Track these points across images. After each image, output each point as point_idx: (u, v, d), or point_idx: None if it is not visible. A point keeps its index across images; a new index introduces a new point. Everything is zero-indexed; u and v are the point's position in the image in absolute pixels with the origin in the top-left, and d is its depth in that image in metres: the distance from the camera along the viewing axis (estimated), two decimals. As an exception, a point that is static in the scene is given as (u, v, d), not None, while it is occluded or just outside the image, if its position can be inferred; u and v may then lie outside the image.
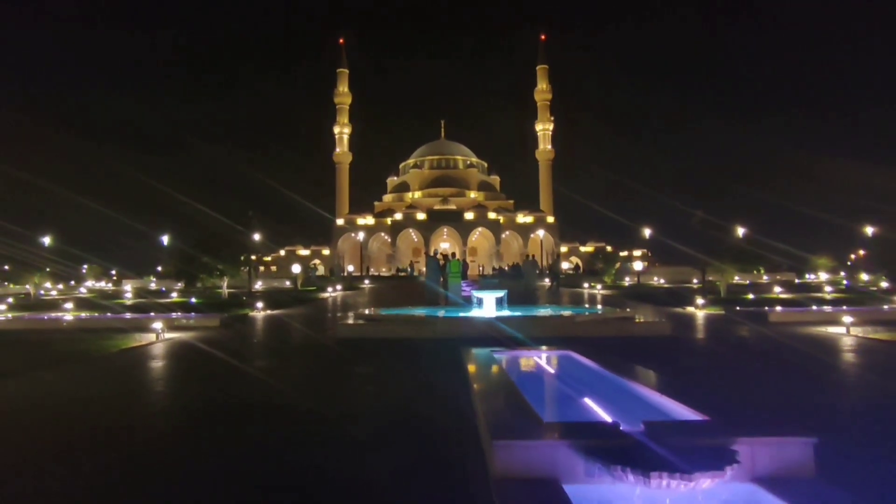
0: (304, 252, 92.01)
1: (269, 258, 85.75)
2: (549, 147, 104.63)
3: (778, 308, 15.91)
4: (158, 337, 12.02)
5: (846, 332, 11.57)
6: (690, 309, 18.41)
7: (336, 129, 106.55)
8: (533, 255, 35.81)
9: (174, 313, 16.29)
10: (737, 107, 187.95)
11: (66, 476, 4.07)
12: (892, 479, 3.67)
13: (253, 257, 39.21)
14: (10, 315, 16.82)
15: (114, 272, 54.71)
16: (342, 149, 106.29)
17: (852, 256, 56.01)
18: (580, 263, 78.17)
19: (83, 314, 17.13)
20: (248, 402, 6.50)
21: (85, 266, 50.11)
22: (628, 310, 16.21)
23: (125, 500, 3.68)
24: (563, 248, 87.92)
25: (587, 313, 14.08)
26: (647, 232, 60.03)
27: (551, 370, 6.91)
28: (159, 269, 59.02)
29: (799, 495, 3.09)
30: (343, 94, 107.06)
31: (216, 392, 7.13)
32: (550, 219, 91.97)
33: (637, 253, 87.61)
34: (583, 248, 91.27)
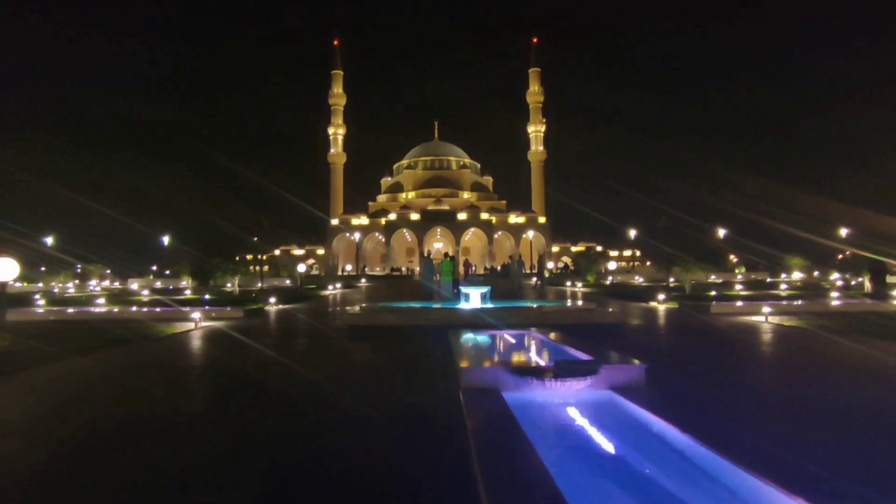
0: (298, 252, 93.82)
1: (264, 257, 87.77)
2: (541, 148, 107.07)
3: (723, 301, 18.51)
4: (196, 325, 14.36)
5: (765, 319, 14.14)
6: (653, 303, 20.98)
7: (330, 130, 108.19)
8: (520, 256, 38.29)
9: (204, 307, 18.55)
10: (730, 108, 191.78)
11: (177, 403, 6.49)
12: (683, 386, 6.39)
13: (253, 257, 41.33)
14: (70, 308, 19.11)
15: (108, 271, 56.43)
16: (336, 149, 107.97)
17: (840, 257, 59.29)
18: (569, 263, 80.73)
19: (129, 307, 19.39)
20: (292, 364, 8.92)
21: (79, 266, 51.77)
22: (594, 304, 18.75)
23: (224, 408, 6.12)
24: (555, 248, 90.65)
25: (555, 305, 16.58)
26: (632, 233, 62.92)
27: (513, 340, 9.40)
28: (154, 267, 60.87)
29: (634, 395, 5.55)
30: (337, 95, 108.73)
31: (263, 360, 9.53)
32: (542, 219, 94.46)
33: (627, 253, 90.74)
34: (574, 248, 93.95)
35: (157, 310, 18.51)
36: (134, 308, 19.27)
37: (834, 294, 22.48)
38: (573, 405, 5.45)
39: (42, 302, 21.72)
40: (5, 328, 8.90)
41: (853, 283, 35.98)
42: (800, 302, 19.48)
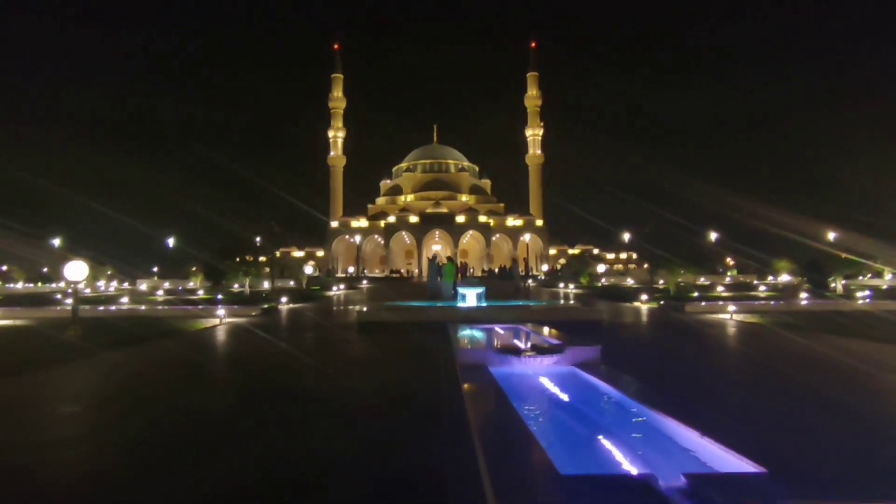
0: (298, 253, 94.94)
1: (264, 259, 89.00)
2: (539, 152, 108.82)
3: (700, 301, 20.23)
4: (221, 321, 15.99)
5: (730, 317, 15.84)
6: (636, 304, 22.68)
7: (330, 133, 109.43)
8: (515, 258, 39.92)
9: (219, 306, 20.19)
10: (729, 110, 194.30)
11: (221, 380, 8.16)
12: (628, 362, 8.13)
13: (255, 259, 42.89)
14: (97, 307, 20.81)
15: (109, 272, 57.63)
16: (336, 152, 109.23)
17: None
18: (559, 265, 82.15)
19: (152, 305, 21.04)
20: (318, 352, 10.58)
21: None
22: (580, 304, 20.45)
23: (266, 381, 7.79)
24: (552, 251, 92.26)
25: (543, 304, 18.27)
26: (626, 236, 64.69)
27: (501, 332, 11.08)
28: (155, 269, 62.17)
29: (590, 369, 7.22)
30: (337, 98, 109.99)
31: (291, 349, 11.20)
32: (539, 222, 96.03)
33: (623, 255, 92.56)
34: (571, 251, 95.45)
35: (182, 307, 20.16)
36: (155, 306, 20.91)
37: (803, 295, 24.20)
38: (543, 375, 7.12)
39: (70, 301, 23.25)
40: (77, 321, 10.52)
41: (833, 284, 37.80)
42: (780, 302, 21.18)
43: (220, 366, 9.47)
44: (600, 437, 4.60)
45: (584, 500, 2.81)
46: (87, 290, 38.45)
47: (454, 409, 5.57)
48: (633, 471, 3.69)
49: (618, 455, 4.13)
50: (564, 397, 6.25)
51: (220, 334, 13.56)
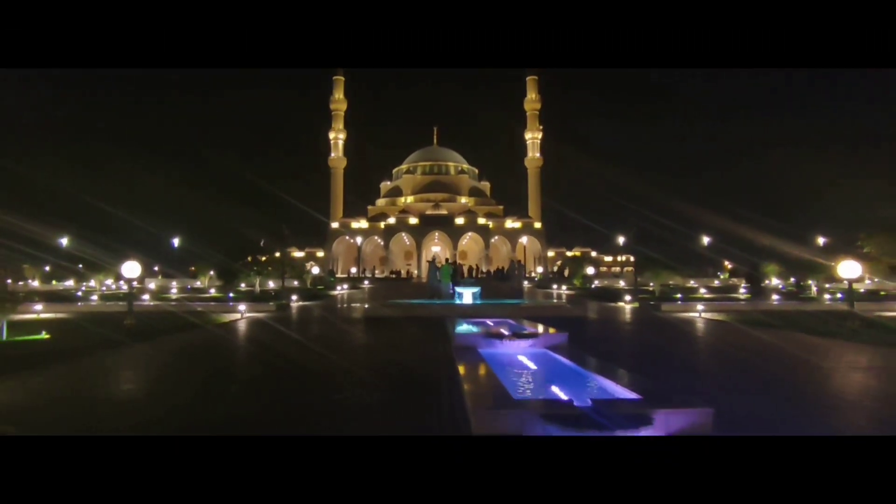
0: (299, 254, 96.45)
1: (263, 258, 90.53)
2: (538, 155, 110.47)
3: (679, 302, 22.08)
4: (242, 315, 17.77)
5: (699, 315, 17.66)
6: (621, 303, 24.50)
7: (331, 135, 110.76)
8: (514, 260, 41.69)
9: (230, 303, 21.97)
10: (726, 112, 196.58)
11: (252, 364, 9.99)
12: (588, 345, 9.95)
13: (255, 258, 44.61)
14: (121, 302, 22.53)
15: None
16: (337, 154, 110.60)
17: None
18: (554, 268, 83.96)
19: (169, 302, 22.81)
20: (334, 340, 12.38)
21: (80, 265, 54.45)
22: (567, 303, 22.29)
23: (294, 364, 9.60)
24: (550, 253, 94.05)
25: (532, 303, 20.11)
26: (621, 240, 66.71)
27: (491, 324, 12.88)
28: (156, 268, 63.67)
29: (558, 350, 9.02)
30: (338, 100, 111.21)
31: (311, 337, 12.99)
32: (538, 224, 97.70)
33: (621, 258, 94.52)
34: (569, 253, 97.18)
35: (202, 304, 21.93)
36: (170, 303, 22.69)
37: (775, 297, 26.05)
38: (521, 354, 8.93)
39: (95, 297, 25.05)
40: (132, 313, 12.29)
41: (815, 288, 39.74)
42: (758, 303, 23.05)
43: (258, 347, 11.28)
44: (552, 387, 6.39)
45: (528, 409, 4.62)
46: (104, 288, 40.24)
47: (450, 372, 7.39)
48: (563, 398, 5.50)
49: (559, 393, 5.96)
50: (533, 367, 8.05)
51: (246, 326, 15.36)
